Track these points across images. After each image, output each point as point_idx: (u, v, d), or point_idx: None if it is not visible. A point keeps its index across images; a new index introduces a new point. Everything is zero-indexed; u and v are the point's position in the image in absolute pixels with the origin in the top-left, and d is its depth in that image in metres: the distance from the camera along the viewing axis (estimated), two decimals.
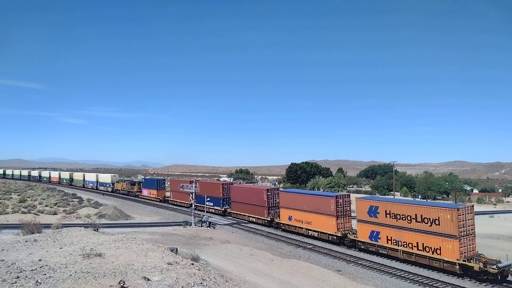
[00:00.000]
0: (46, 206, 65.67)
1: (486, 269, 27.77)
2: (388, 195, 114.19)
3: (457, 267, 29.57)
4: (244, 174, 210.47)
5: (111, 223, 53.59)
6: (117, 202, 78.99)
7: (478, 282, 28.69)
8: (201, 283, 14.93)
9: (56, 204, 67.66)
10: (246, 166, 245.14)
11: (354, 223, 41.09)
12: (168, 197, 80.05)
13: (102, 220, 54.38)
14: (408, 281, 29.49)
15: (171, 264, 16.92)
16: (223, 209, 62.06)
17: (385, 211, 35.77)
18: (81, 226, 30.05)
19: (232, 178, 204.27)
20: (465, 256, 29.71)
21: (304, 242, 43.71)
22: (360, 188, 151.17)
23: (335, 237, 41.03)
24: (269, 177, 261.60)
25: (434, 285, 28.45)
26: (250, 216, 55.36)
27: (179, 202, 73.34)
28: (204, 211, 58.78)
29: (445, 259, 30.43)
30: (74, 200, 76.93)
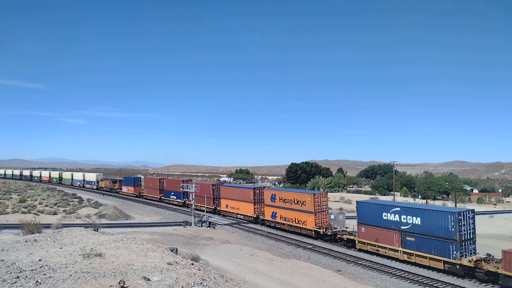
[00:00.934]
0: (46, 206, 65.67)
1: (326, 232, 43.46)
2: (388, 195, 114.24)
3: (313, 232, 44.60)
4: (244, 174, 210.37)
5: (111, 223, 53.59)
6: (117, 202, 79.01)
7: (478, 282, 28.73)
8: (201, 283, 14.93)
9: (56, 204, 67.67)
10: (246, 166, 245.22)
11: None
12: (142, 192, 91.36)
13: (102, 220, 54.38)
14: (408, 281, 29.50)
15: (171, 264, 16.92)
16: (183, 201, 74.34)
17: (279, 197, 50.28)
18: (81, 226, 30.06)
19: (232, 178, 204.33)
20: (319, 225, 44.51)
21: (304, 242, 43.74)
22: (360, 188, 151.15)
23: (252, 218, 55.79)
24: (269, 177, 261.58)
25: (434, 285, 28.47)
26: (201, 205, 64.27)
27: (151, 196, 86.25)
28: (168, 203, 68.94)
29: (308, 228, 45.20)
30: (74, 200, 76.93)
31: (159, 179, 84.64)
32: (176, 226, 53.11)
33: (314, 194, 45.76)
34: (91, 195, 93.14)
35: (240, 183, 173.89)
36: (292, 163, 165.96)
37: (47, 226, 36.70)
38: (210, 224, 52.82)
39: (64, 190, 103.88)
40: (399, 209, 35.10)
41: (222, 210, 63.08)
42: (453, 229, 30.24)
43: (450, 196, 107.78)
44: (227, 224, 55.62)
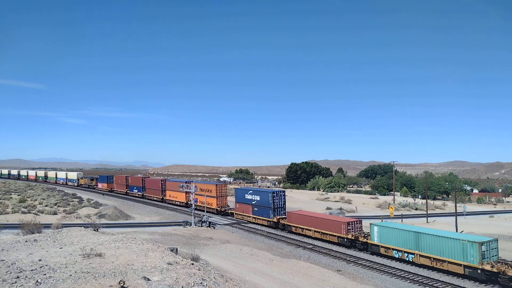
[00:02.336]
0: (46, 206, 65.69)
1: (220, 209, 63.70)
2: (388, 195, 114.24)
3: (215, 210, 64.11)
4: (244, 174, 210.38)
5: (111, 223, 53.61)
6: (117, 202, 79.02)
7: (478, 283, 28.74)
8: (201, 283, 14.93)
9: (56, 204, 67.67)
10: (246, 166, 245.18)
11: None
12: (113, 188, 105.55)
13: (102, 220, 54.39)
14: (408, 281, 29.51)
15: (171, 264, 16.92)
16: (141, 194, 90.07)
17: (199, 188, 66.17)
18: (81, 226, 30.06)
19: (232, 178, 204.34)
20: (219, 206, 64.37)
21: (304, 242, 43.75)
22: (360, 188, 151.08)
23: (184, 203, 73.10)
24: (269, 177, 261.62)
25: (434, 285, 28.48)
26: (153, 196, 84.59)
27: (120, 191, 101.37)
28: (132, 196, 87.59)
29: (212, 207, 64.48)
30: (74, 200, 76.94)
31: (126, 177, 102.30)
32: (176, 226, 53.13)
33: (217, 185, 66.11)
34: (91, 195, 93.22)
35: (240, 183, 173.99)
36: (292, 163, 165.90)
37: (47, 226, 36.70)
38: (210, 224, 52.84)
39: (64, 190, 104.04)
40: (251, 191, 57.63)
41: (167, 199, 79.81)
42: (271, 201, 51.78)
43: (450, 196, 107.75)
44: (227, 224, 55.64)
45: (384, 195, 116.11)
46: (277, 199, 52.24)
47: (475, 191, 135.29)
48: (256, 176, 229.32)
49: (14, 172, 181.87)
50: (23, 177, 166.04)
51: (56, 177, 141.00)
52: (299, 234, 47.09)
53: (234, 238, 45.65)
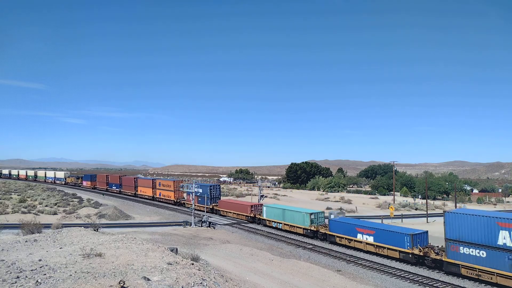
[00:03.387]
0: (46, 206, 65.68)
1: (176, 201, 77.12)
2: (388, 195, 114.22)
3: (173, 201, 78.15)
4: (244, 174, 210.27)
5: (111, 223, 53.59)
6: (117, 202, 79.03)
7: (478, 283, 28.73)
8: (201, 283, 14.93)
9: (56, 204, 67.66)
10: (246, 166, 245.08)
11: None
12: (96, 185, 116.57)
13: (102, 220, 54.38)
14: (408, 281, 29.50)
15: (171, 264, 16.92)
16: (119, 190, 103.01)
17: (162, 184, 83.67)
18: (81, 226, 30.05)
19: (232, 178, 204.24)
20: (176, 198, 77.50)
21: (304, 242, 43.79)
22: (360, 188, 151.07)
23: (151, 197, 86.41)
24: (269, 177, 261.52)
25: (434, 285, 28.48)
26: (128, 192, 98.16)
27: (101, 187, 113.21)
28: (112, 192, 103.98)
29: (171, 199, 78.70)
30: (74, 200, 76.93)
31: (106, 175, 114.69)
32: (176, 226, 53.13)
33: (174, 181, 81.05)
34: (91, 195, 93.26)
35: (240, 183, 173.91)
36: (292, 163, 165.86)
37: (47, 226, 36.70)
38: (210, 224, 52.84)
39: (64, 190, 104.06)
40: (196, 185, 64.43)
41: (138, 194, 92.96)
42: (208, 193, 66.69)
43: (450, 196, 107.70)
44: (227, 224, 55.64)
45: (384, 195, 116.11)
46: (213, 191, 68.29)
47: (475, 191, 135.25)
48: (256, 176, 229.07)
49: (5, 171, 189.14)
50: (14, 176, 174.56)
51: (45, 176, 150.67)
52: (225, 216, 63.19)
53: (234, 238, 45.64)
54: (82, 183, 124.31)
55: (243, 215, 58.43)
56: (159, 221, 57.73)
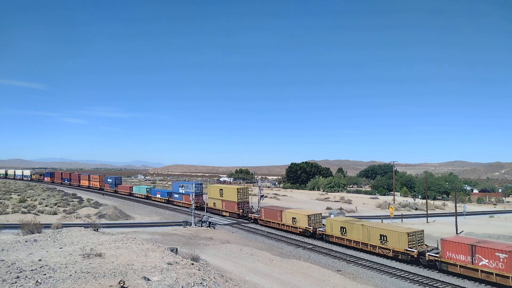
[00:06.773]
0: (46, 206, 65.65)
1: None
2: (388, 195, 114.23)
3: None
4: (244, 174, 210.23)
5: (111, 223, 53.59)
6: (117, 202, 79.02)
7: (478, 283, 28.75)
8: (201, 283, 14.93)
9: (56, 204, 67.64)
10: (246, 166, 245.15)
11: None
12: (54, 180, 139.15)
13: (102, 220, 54.37)
14: (408, 281, 29.50)
15: (171, 264, 16.93)
16: (69, 183, 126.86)
17: (92, 177, 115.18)
18: (81, 226, 30.05)
19: (232, 178, 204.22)
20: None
21: (304, 242, 43.79)
22: (360, 188, 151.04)
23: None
24: (269, 177, 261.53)
25: (434, 285, 28.48)
26: (74, 183, 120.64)
27: (57, 182, 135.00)
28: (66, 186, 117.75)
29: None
30: (74, 200, 76.92)
31: (61, 172, 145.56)
32: (176, 226, 53.13)
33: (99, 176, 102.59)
34: (91, 195, 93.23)
35: (240, 183, 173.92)
36: (292, 163, 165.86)
37: (47, 226, 36.68)
38: (210, 224, 52.84)
39: (64, 190, 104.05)
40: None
41: (80, 185, 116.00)
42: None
43: (450, 196, 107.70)
44: (227, 224, 55.64)
45: (384, 195, 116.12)
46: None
47: (475, 191, 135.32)
48: (256, 176, 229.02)
49: None
50: None
51: (14, 174, 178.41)
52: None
53: (234, 238, 45.64)
54: (43, 179, 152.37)
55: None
56: (159, 221, 57.73)
